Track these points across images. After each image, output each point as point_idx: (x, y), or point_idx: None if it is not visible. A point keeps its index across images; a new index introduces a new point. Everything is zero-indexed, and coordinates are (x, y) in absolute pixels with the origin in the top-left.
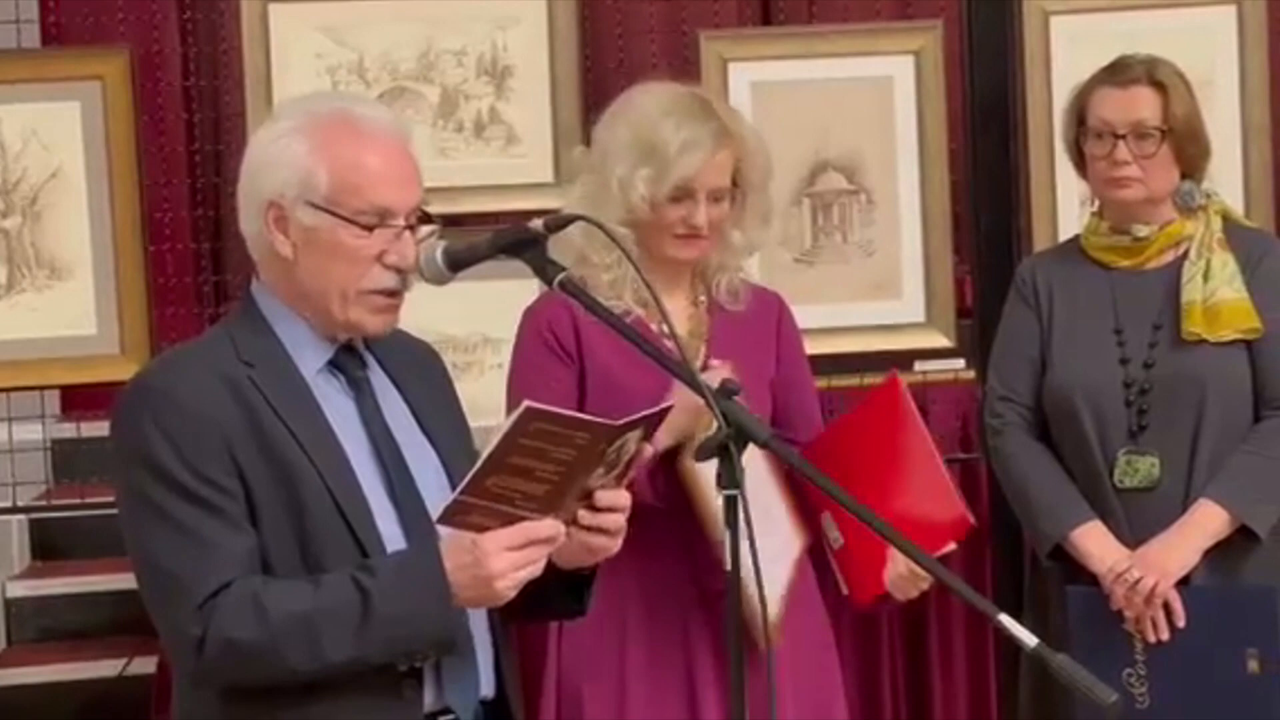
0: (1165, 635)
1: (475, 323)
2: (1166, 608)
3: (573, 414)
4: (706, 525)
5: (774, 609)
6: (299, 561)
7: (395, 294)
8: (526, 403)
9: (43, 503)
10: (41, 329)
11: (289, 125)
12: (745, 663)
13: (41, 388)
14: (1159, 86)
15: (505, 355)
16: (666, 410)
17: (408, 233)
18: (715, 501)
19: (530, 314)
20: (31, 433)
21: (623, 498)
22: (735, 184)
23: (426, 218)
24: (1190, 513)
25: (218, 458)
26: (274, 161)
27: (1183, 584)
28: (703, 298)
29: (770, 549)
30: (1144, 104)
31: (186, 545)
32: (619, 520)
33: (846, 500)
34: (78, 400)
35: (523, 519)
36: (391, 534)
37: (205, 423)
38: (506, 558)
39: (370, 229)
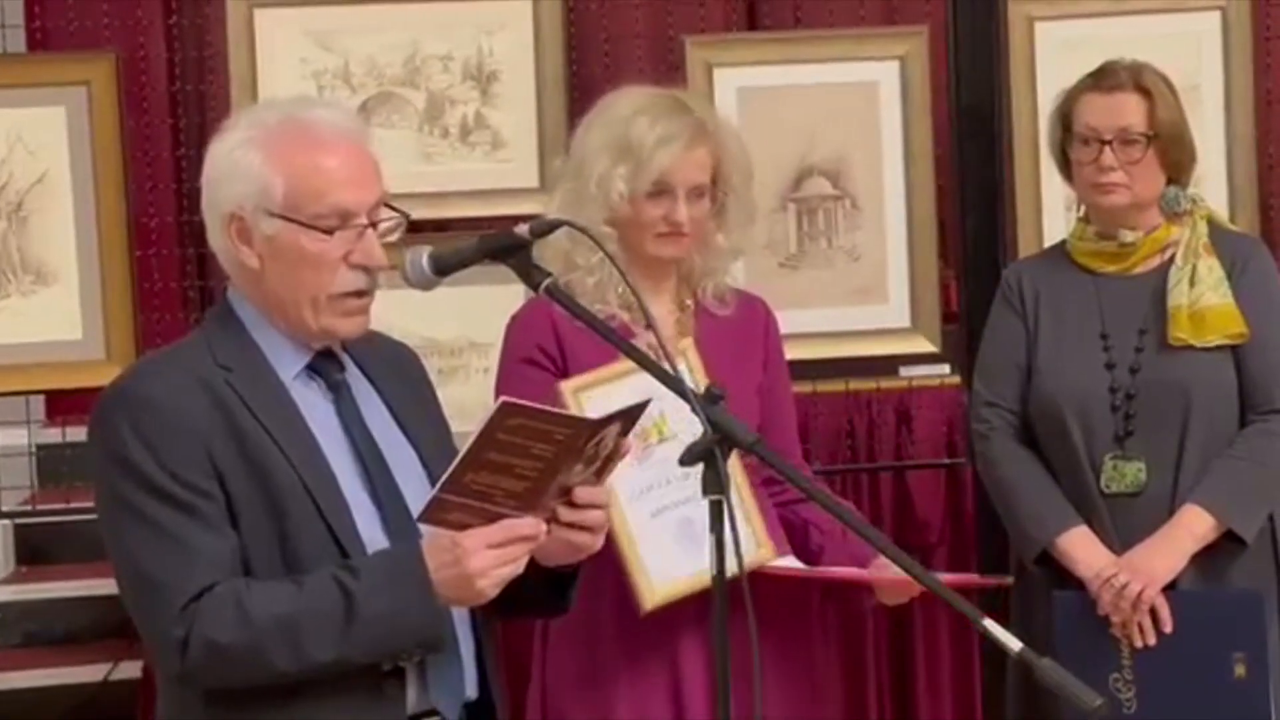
0: (1152, 640)
1: (461, 327)
2: (1153, 613)
3: (550, 409)
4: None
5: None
6: (279, 563)
7: (365, 294)
8: (503, 398)
9: (28, 508)
10: (27, 334)
11: (242, 136)
12: (730, 663)
13: (27, 393)
14: (1144, 92)
15: (491, 360)
16: (645, 404)
17: (370, 231)
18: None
19: (513, 323)
20: (17, 438)
21: (603, 494)
22: (715, 183)
23: (397, 216)
24: (1177, 518)
25: (196, 461)
26: (229, 174)
27: (1169, 589)
28: (689, 302)
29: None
30: (1130, 110)
31: (167, 548)
32: (600, 517)
33: (827, 502)
34: (63, 405)
35: (503, 516)
36: (373, 535)
37: (183, 427)
38: (487, 556)
39: (330, 232)
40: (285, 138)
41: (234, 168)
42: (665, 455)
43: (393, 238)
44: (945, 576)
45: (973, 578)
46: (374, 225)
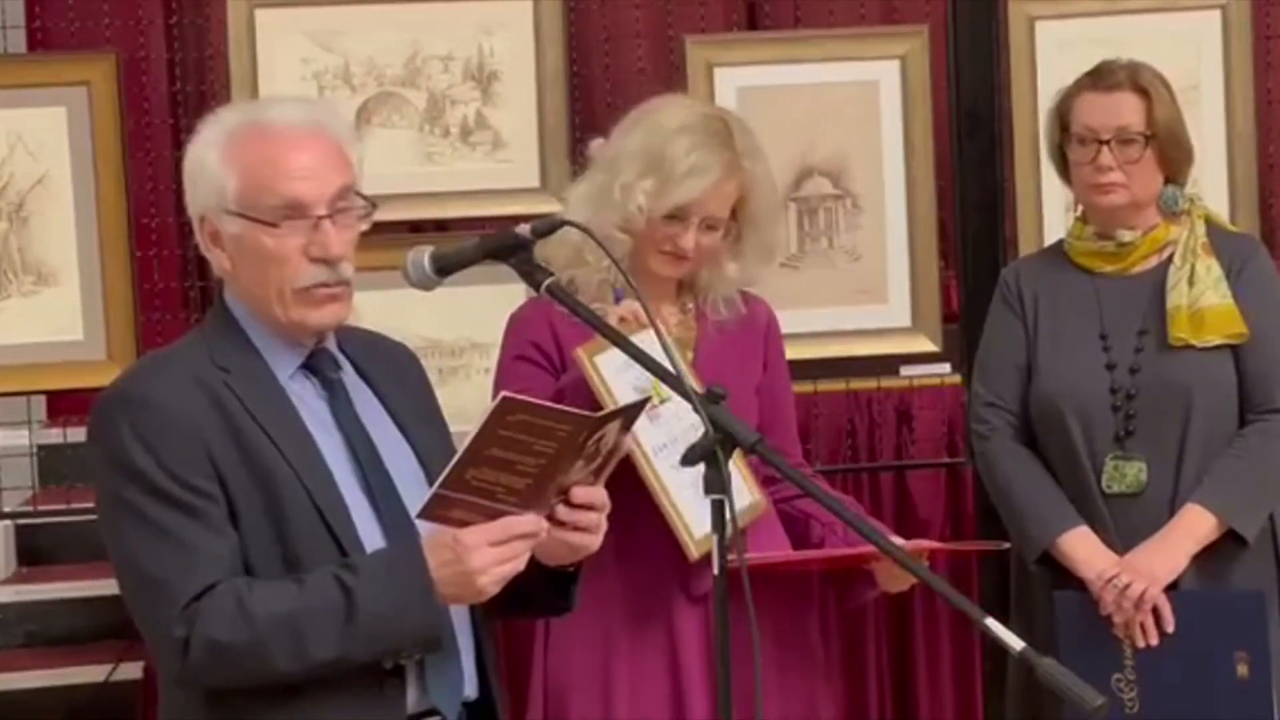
0: (1154, 640)
1: (462, 327)
2: (1155, 613)
3: (551, 405)
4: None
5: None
6: (279, 563)
7: (332, 285)
8: (504, 393)
9: (29, 508)
10: (28, 334)
11: (203, 139)
12: (731, 659)
13: (28, 393)
14: (1142, 91)
15: (493, 360)
16: (644, 402)
17: (326, 223)
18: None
19: (511, 321)
20: (18, 438)
21: (599, 495)
22: (735, 216)
23: (364, 205)
24: (1178, 518)
25: (196, 462)
26: (194, 178)
27: (1171, 589)
28: (690, 305)
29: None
30: (1127, 109)
31: (168, 549)
32: (596, 518)
33: (829, 501)
34: (64, 405)
35: (504, 514)
36: (370, 534)
37: (183, 428)
38: (488, 553)
39: (276, 224)
40: (240, 136)
41: (197, 171)
42: (669, 414)
43: (363, 226)
44: (941, 546)
45: (969, 545)
46: (331, 216)
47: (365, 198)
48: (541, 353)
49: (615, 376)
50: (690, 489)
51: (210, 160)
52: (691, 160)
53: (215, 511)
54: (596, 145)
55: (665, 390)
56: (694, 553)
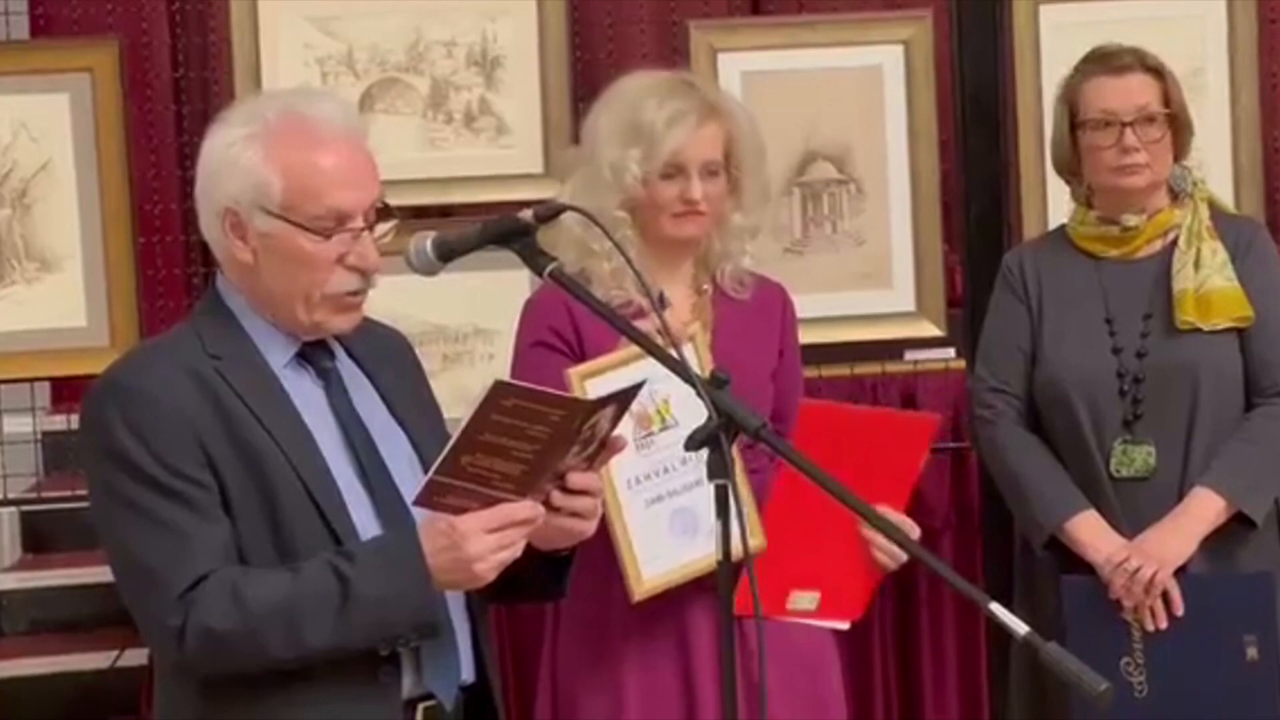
0: (1164, 624)
1: (467, 313)
2: (1165, 596)
3: (544, 390)
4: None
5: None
6: (273, 551)
7: (358, 293)
8: (497, 378)
9: (33, 495)
10: (31, 321)
11: (242, 132)
12: (737, 658)
13: (31, 380)
14: (1154, 72)
15: (497, 346)
16: (640, 386)
17: (366, 233)
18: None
19: (528, 307)
20: (22, 425)
21: (594, 481)
22: (728, 162)
23: (387, 212)
24: (1186, 501)
25: (189, 451)
26: (227, 169)
27: (1179, 572)
28: (706, 286)
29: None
30: (1144, 90)
31: (162, 538)
32: (591, 504)
33: (835, 487)
34: (68, 392)
35: (500, 500)
36: (366, 521)
37: (174, 416)
38: (485, 540)
39: (328, 235)
40: (286, 135)
41: (232, 163)
42: (666, 443)
43: (386, 239)
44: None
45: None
46: (370, 228)
47: (391, 210)
48: (560, 338)
49: None
50: (652, 529)
51: (250, 156)
52: (667, 111)
53: (208, 500)
54: (571, 153)
55: (670, 416)
56: (637, 593)
